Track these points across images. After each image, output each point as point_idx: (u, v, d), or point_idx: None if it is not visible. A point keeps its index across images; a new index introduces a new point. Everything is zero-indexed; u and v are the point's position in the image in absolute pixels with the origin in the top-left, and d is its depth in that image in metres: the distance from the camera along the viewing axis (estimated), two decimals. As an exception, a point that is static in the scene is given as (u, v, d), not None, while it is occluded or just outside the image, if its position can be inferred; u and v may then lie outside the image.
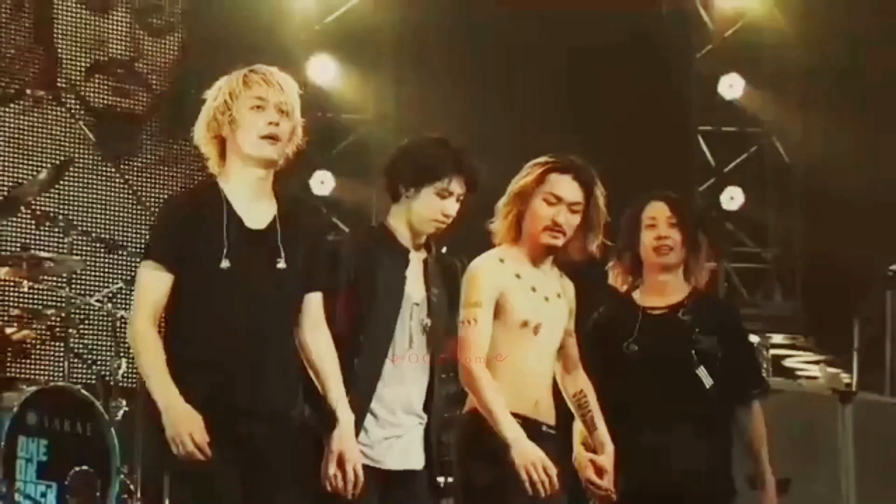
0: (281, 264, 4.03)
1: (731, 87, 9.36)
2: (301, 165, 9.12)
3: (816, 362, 7.93)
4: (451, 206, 4.47)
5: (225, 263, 3.96)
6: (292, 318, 4.09)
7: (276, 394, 4.03)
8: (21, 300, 6.69)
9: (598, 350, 4.79)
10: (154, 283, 4.01)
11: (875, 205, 8.39)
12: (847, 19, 8.70)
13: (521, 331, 4.52)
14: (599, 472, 4.58)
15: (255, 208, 4.08)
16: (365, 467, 4.28)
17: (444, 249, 4.66)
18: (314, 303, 4.17)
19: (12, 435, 6.00)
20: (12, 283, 6.69)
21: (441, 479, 7.07)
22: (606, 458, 4.58)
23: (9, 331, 6.46)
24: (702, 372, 4.76)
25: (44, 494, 6.02)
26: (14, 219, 7.06)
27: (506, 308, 4.51)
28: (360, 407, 4.30)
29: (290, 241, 4.09)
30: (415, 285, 4.49)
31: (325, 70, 9.12)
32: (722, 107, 9.36)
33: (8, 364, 6.43)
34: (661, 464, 4.70)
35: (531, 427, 4.47)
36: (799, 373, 8.33)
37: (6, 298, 6.64)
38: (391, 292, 4.43)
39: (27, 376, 6.46)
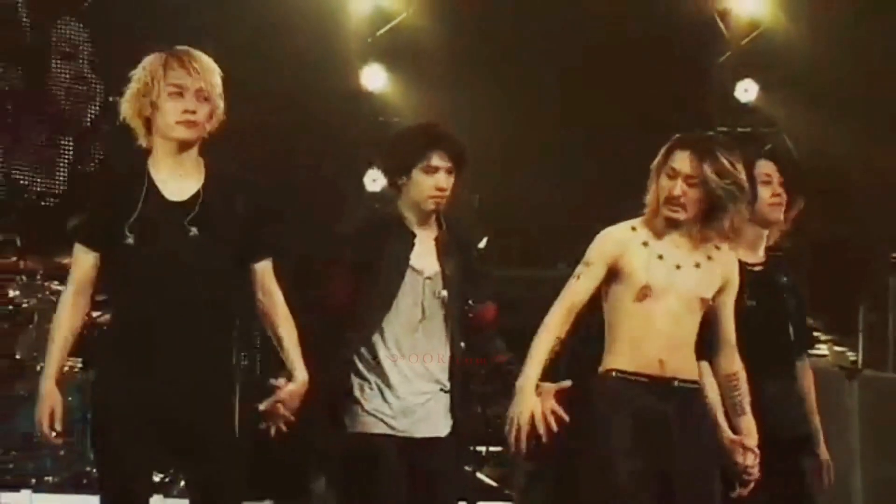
0: (193, 232, 3.89)
1: (746, 91, 9.31)
2: (355, 165, 9.25)
3: (824, 342, 7.86)
4: (442, 180, 4.44)
5: (129, 239, 3.84)
6: (219, 286, 3.92)
7: (196, 361, 3.87)
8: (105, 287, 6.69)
9: None
10: (78, 262, 3.91)
11: (878, 198, 8.34)
12: (853, 29, 8.64)
13: (640, 293, 4.32)
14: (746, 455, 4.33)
15: (179, 181, 3.94)
16: (391, 437, 4.27)
17: (483, 243, 4.65)
18: (263, 271, 4.02)
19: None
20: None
21: (482, 449, 7.07)
22: (752, 442, 4.33)
23: (95, 314, 6.50)
24: (790, 328, 4.65)
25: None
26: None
27: (626, 271, 4.33)
28: (346, 369, 4.34)
29: (214, 213, 3.93)
30: (425, 261, 4.45)
31: (376, 78, 9.15)
32: (738, 109, 9.30)
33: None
34: (775, 411, 4.52)
35: (657, 384, 4.27)
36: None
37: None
38: (392, 268, 4.39)
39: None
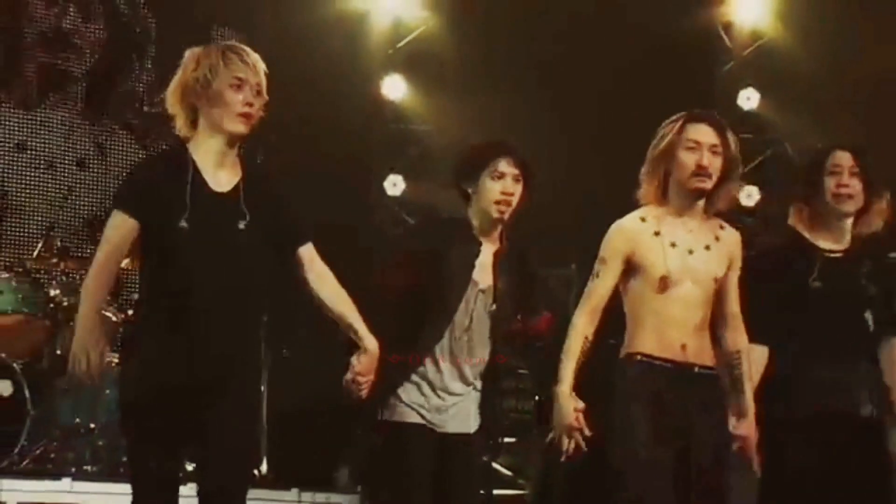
0: (242, 225, 3.83)
1: (749, 99, 9.30)
2: (376, 170, 9.24)
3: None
4: (509, 185, 4.38)
5: (183, 224, 3.76)
6: (261, 275, 3.87)
7: (235, 348, 3.82)
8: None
9: (771, 283, 4.50)
10: (119, 227, 3.80)
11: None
12: (851, 40, 8.59)
13: (661, 284, 4.24)
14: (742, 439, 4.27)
15: (221, 173, 3.87)
16: (424, 427, 4.27)
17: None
18: (307, 254, 3.95)
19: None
20: (133, 272, 6.70)
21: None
22: (748, 426, 4.27)
23: (131, 312, 6.50)
24: (868, 315, 4.50)
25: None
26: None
27: (643, 264, 4.25)
28: (410, 370, 4.29)
29: (253, 204, 3.85)
30: (482, 273, 4.40)
31: (397, 88, 9.14)
32: (741, 116, 9.27)
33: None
34: (835, 391, 4.43)
35: (681, 370, 4.21)
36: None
37: (128, 285, 6.62)
38: (459, 278, 4.34)
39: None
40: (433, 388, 4.34)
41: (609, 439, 4.23)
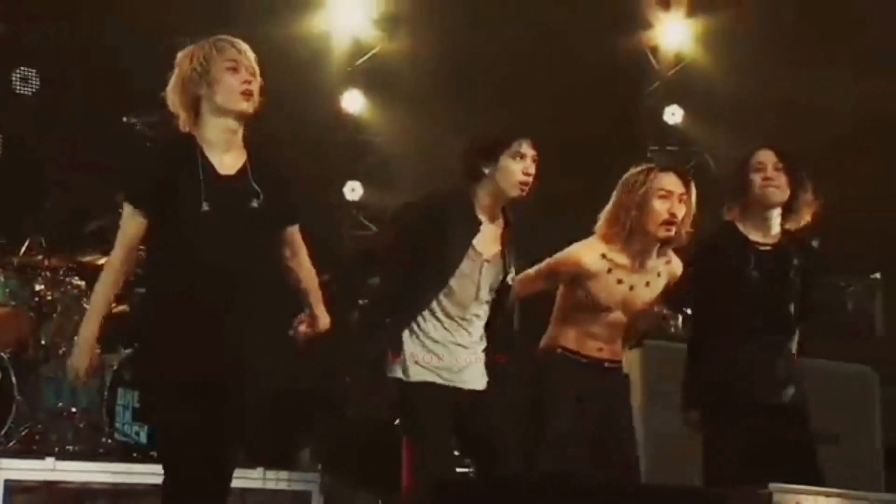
0: (255, 204, 3.76)
1: (673, 115, 9.40)
2: (336, 177, 9.24)
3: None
4: (529, 166, 4.17)
5: (205, 206, 3.68)
6: (269, 252, 3.84)
7: (252, 326, 3.75)
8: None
9: (709, 270, 4.48)
10: (129, 223, 3.74)
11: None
12: (765, 61, 8.70)
13: (596, 310, 4.33)
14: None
15: (227, 157, 3.81)
16: (440, 386, 4.13)
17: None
18: (294, 234, 3.94)
19: (113, 388, 6.01)
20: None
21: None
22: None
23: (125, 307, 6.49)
24: (792, 307, 4.49)
25: (137, 433, 6.00)
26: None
27: (590, 291, 4.31)
28: (399, 329, 4.15)
29: (260, 184, 3.80)
30: (487, 245, 4.22)
31: (356, 101, 9.17)
32: (666, 131, 9.38)
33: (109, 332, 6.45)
34: (764, 373, 4.43)
35: (594, 364, 4.32)
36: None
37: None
38: (455, 250, 4.17)
39: (124, 341, 6.42)
40: (445, 352, 4.17)
41: (536, 424, 4.32)
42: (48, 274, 6.27)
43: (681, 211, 4.28)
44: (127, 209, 3.77)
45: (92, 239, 6.48)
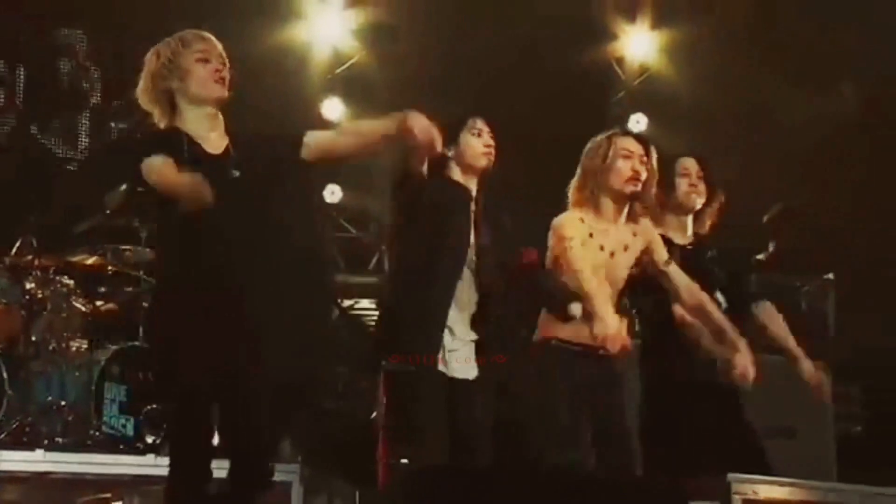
0: (236, 174, 3.71)
1: (638, 122, 9.40)
2: (317, 180, 9.23)
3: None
4: (488, 139, 4.33)
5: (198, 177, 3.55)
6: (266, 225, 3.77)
7: (267, 306, 3.70)
8: (107, 281, 6.66)
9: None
10: (165, 163, 3.61)
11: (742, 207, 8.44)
12: (726, 72, 8.76)
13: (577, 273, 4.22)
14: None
15: (212, 138, 3.78)
16: (440, 373, 4.10)
17: None
18: (307, 138, 3.88)
19: (101, 382, 6.02)
20: (100, 268, 6.67)
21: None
22: (747, 355, 4.35)
23: (98, 304, 6.47)
24: (719, 295, 4.59)
25: (124, 425, 6.02)
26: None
27: (570, 258, 4.26)
28: (437, 323, 4.10)
29: (246, 160, 3.76)
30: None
31: (335, 109, 9.14)
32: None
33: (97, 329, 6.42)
34: (703, 361, 4.49)
35: (590, 351, 4.24)
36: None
37: (96, 280, 6.59)
38: (461, 233, 4.20)
39: (112, 338, 6.41)
40: (451, 334, 4.16)
41: (532, 420, 4.29)
42: (39, 273, 6.26)
43: (643, 171, 4.34)
44: (151, 158, 3.62)
45: (81, 240, 6.48)
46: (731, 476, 4.07)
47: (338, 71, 9.14)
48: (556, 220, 4.36)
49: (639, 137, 4.45)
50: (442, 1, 8.55)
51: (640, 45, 9.39)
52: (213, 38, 3.84)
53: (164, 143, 3.69)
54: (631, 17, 9.33)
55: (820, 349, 7.20)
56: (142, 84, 3.81)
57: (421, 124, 3.85)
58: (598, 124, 9.38)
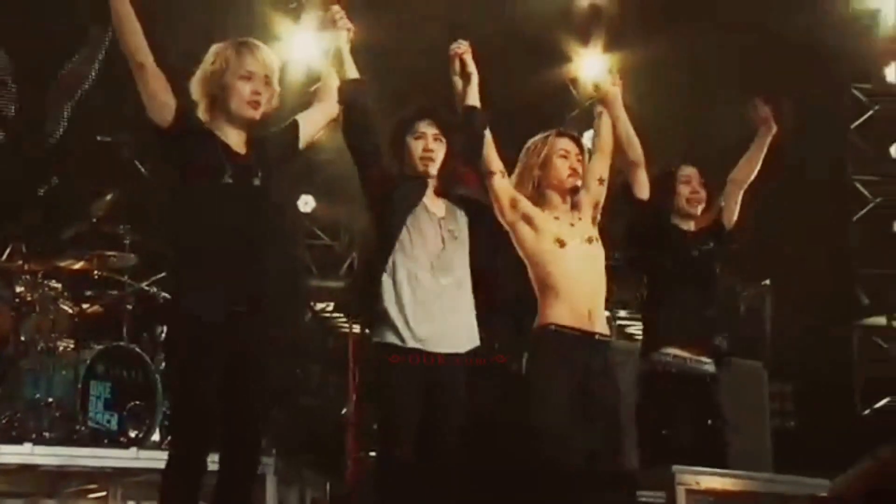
0: (257, 182, 3.75)
1: (589, 139, 9.45)
2: (292, 191, 9.20)
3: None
4: (431, 143, 4.16)
5: (227, 179, 3.67)
6: (270, 224, 3.80)
7: (261, 283, 3.70)
8: (92, 285, 6.61)
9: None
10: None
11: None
12: (671, 95, 8.82)
13: (554, 246, 4.24)
14: None
15: (236, 138, 3.80)
16: (416, 350, 3.95)
17: None
18: (301, 116, 3.96)
19: (86, 380, 5.96)
20: (86, 273, 6.62)
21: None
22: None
23: (84, 306, 6.41)
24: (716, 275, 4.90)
25: (108, 421, 5.98)
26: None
27: (539, 227, 4.26)
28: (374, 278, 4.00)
29: (263, 162, 3.80)
30: (436, 205, 4.18)
31: (308, 124, 9.11)
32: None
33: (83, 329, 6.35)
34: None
35: (586, 337, 4.15)
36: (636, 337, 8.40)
37: (82, 284, 6.53)
38: (407, 202, 4.12)
39: (97, 338, 6.36)
40: (423, 307, 4.00)
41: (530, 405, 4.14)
42: (28, 277, 6.20)
43: (580, 168, 4.41)
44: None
45: (68, 245, 6.43)
46: (675, 467, 4.09)
47: (311, 89, 9.09)
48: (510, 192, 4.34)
49: (573, 137, 4.49)
50: (409, 24, 8.55)
51: (592, 66, 9.44)
52: (266, 55, 3.84)
53: (199, 145, 3.73)
54: (584, 41, 9.39)
55: (758, 349, 7.29)
56: (196, 76, 3.80)
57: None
58: (553, 140, 9.60)
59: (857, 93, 9.57)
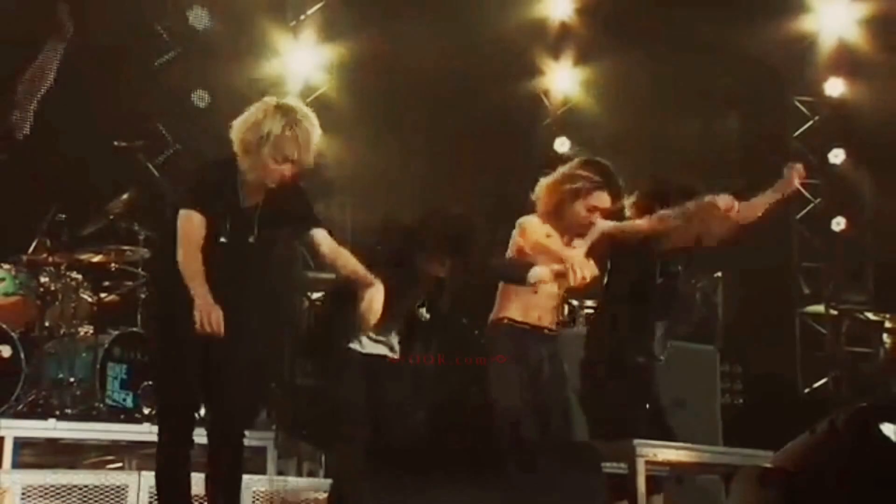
0: (251, 239, 3.62)
1: (563, 145, 9.49)
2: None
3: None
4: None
5: (223, 239, 3.56)
6: (263, 278, 3.69)
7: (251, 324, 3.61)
8: (110, 276, 6.59)
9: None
10: (195, 224, 3.53)
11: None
12: (639, 103, 8.86)
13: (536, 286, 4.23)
14: None
15: (252, 192, 3.68)
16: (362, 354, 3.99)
17: None
18: (322, 235, 3.75)
19: (104, 362, 5.96)
20: (105, 265, 6.61)
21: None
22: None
23: (103, 295, 6.41)
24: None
25: (124, 399, 5.96)
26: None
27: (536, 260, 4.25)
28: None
29: (268, 219, 3.65)
30: None
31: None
32: (555, 159, 9.41)
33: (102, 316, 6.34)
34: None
35: (536, 331, 4.26)
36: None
37: (101, 275, 6.52)
38: None
39: (114, 324, 6.35)
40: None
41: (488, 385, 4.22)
42: (51, 269, 6.19)
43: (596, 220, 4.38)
44: (188, 211, 3.54)
45: (88, 240, 6.43)
46: (635, 441, 4.12)
47: (307, 100, 9.07)
48: (526, 224, 4.37)
49: (612, 190, 4.39)
50: (397, 40, 8.56)
51: (563, 79, 9.48)
52: (307, 133, 3.60)
53: (209, 188, 3.61)
54: (556, 55, 9.41)
55: (710, 334, 7.34)
56: (238, 122, 3.63)
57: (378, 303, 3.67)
58: (528, 148, 9.62)
59: (799, 105, 9.68)
